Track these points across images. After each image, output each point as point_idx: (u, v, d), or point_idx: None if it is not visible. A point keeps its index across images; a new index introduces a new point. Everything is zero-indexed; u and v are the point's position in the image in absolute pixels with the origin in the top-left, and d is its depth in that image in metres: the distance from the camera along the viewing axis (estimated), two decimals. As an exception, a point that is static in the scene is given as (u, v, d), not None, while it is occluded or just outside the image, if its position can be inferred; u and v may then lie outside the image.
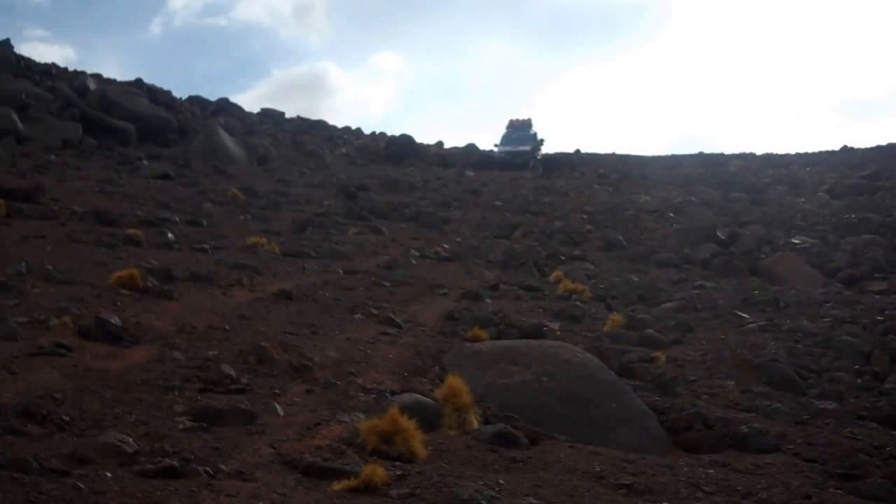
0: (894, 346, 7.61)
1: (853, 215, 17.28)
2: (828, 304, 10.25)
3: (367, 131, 41.97)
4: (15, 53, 27.09)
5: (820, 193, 21.89)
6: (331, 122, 42.38)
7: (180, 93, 35.57)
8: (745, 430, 5.23)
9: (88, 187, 15.03)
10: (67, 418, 4.24)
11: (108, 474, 3.56)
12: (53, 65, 30.34)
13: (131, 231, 11.02)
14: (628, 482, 4.24)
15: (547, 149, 35.02)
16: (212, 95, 42.33)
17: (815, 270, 12.85)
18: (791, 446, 5.08)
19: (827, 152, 35.54)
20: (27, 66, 27.61)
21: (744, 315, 9.56)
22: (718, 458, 4.81)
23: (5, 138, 19.13)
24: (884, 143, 33.39)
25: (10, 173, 14.75)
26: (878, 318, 9.09)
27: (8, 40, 26.66)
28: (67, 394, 4.61)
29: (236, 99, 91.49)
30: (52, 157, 18.76)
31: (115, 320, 6.09)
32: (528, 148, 32.46)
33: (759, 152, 38.23)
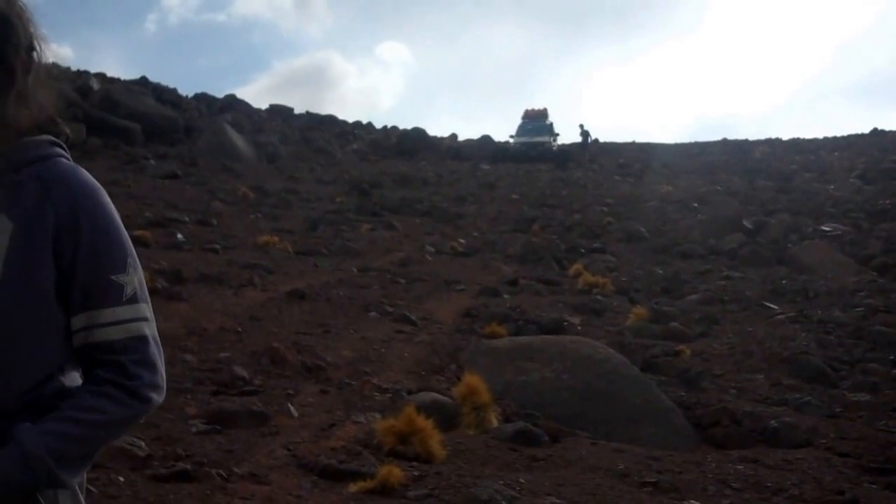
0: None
1: (887, 201, 16.90)
2: (860, 293, 10.01)
3: (377, 125, 41.84)
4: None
5: (851, 179, 21.44)
6: (339, 115, 42.35)
7: (184, 88, 35.73)
8: (775, 425, 5.11)
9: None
10: (78, 422, 4.19)
11: (121, 479, 3.54)
12: (54, 65, 30.48)
13: (140, 232, 10.98)
14: (653, 480, 4.15)
15: (562, 139, 34.66)
16: (215, 90, 42.65)
17: (847, 258, 12.55)
18: (823, 440, 4.95)
19: (856, 136, 34.92)
20: (27, 66, 27.77)
21: (772, 306, 9.36)
22: (747, 454, 4.71)
23: (7, 141, 19.22)
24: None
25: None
26: (914, 306, 8.89)
27: (6, 40, 26.78)
28: (78, 397, 4.57)
29: (241, 92, 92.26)
30: (56, 158, 18.84)
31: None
32: (545, 139, 32.09)
33: (785, 138, 37.66)
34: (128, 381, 1.19)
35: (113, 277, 1.20)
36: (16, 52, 1.18)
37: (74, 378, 1.25)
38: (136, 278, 1.24)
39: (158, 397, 1.24)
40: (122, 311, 1.21)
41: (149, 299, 1.27)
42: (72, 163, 1.26)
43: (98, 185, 1.24)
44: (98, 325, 1.19)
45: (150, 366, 1.23)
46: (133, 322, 1.21)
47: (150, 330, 1.24)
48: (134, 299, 1.22)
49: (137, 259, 1.26)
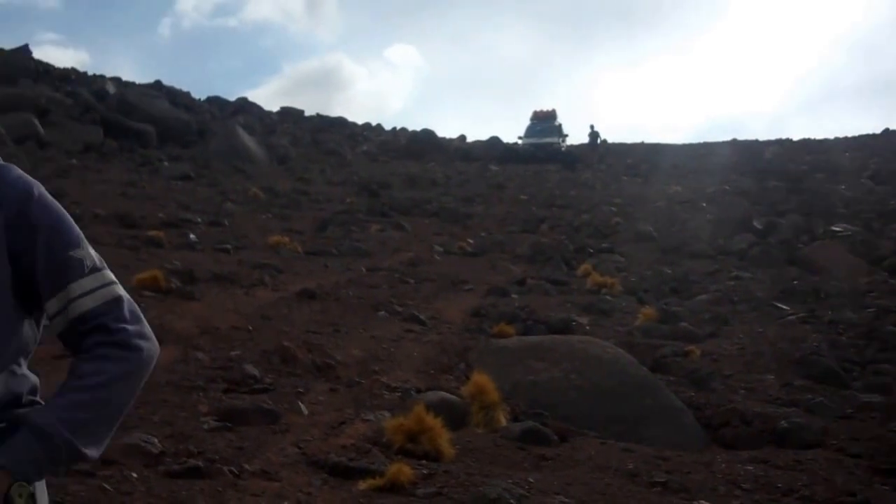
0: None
1: (900, 202, 16.73)
2: (872, 294, 9.93)
3: (387, 126, 41.94)
4: (33, 59, 27.49)
5: (863, 180, 21.26)
6: (348, 117, 42.41)
7: (197, 92, 35.96)
8: (786, 426, 5.06)
9: (110, 190, 15.18)
10: (91, 420, 4.24)
11: (134, 475, 3.59)
12: (73, 69, 30.78)
13: (153, 233, 11.08)
14: (663, 480, 4.13)
15: (571, 140, 34.55)
16: (228, 93, 42.84)
17: (858, 259, 12.45)
18: (834, 441, 4.89)
19: (868, 136, 34.62)
20: (46, 71, 28.03)
21: (783, 307, 9.29)
22: (757, 455, 4.66)
23: (27, 143, 19.38)
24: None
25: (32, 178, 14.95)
26: (927, 306, 8.79)
27: (26, 46, 27.02)
28: (91, 395, 4.61)
29: (253, 95, 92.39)
30: (74, 160, 18.95)
31: (139, 321, 6.10)
32: (554, 140, 32.02)
33: (795, 138, 37.37)
34: (114, 336, 1.25)
35: (71, 253, 1.26)
36: None
37: (27, 372, 1.31)
38: (90, 251, 1.30)
39: (149, 345, 1.29)
40: (89, 281, 1.26)
41: (106, 266, 1.33)
42: (3, 162, 1.30)
43: (31, 178, 1.29)
44: (72, 300, 1.25)
45: (132, 319, 1.28)
46: (102, 288, 1.27)
47: (121, 291, 1.30)
48: (95, 268, 1.28)
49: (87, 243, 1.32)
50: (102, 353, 1.24)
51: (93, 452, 1.22)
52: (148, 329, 1.31)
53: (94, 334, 1.25)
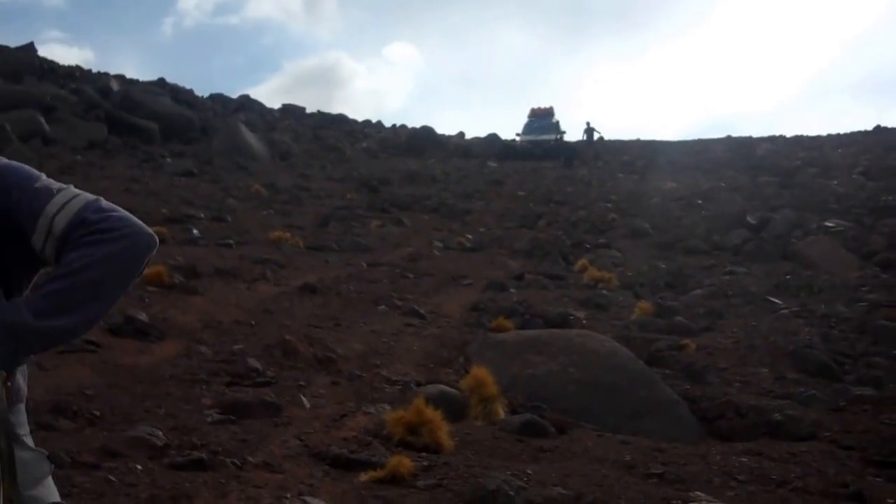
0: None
1: (890, 197, 16.81)
2: (864, 289, 9.99)
3: (387, 123, 41.94)
4: (38, 57, 27.49)
5: (855, 176, 21.33)
6: (349, 114, 42.43)
7: (199, 89, 36.12)
8: (780, 418, 5.12)
9: (114, 186, 15.19)
10: (98, 413, 4.31)
11: (139, 467, 3.63)
12: (77, 67, 30.78)
13: (157, 228, 10.89)
14: (659, 471, 4.18)
15: (568, 137, 34.52)
16: (230, 90, 42.88)
17: (850, 254, 12.52)
18: (827, 434, 4.96)
19: (860, 133, 34.63)
20: (51, 68, 28.03)
21: (776, 301, 9.35)
22: (752, 447, 4.72)
23: (32, 140, 19.42)
24: (919, 122, 32.35)
25: (37, 174, 14.97)
26: (917, 301, 8.85)
27: (31, 44, 27.04)
28: (97, 389, 4.68)
29: (254, 93, 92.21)
30: (78, 157, 18.98)
31: (143, 316, 6.17)
32: (551, 137, 32.04)
33: (788, 134, 37.37)
34: (95, 224, 1.28)
35: (36, 185, 1.33)
36: None
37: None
38: (51, 180, 1.37)
39: (133, 227, 1.30)
40: (59, 199, 1.31)
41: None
42: None
43: None
44: (51, 220, 1.29)
45: (110, 209, 1.32)
46: (72, 200, 1.32)
47: (93, 196, 1.34)
48: (61, 189, 1.34)
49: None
50: (86, 240, 1.27)
51: (66, 321, 1.25)
52: (134, 219, 1.32)
53: (77, 230, 1.28)
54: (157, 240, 1.35)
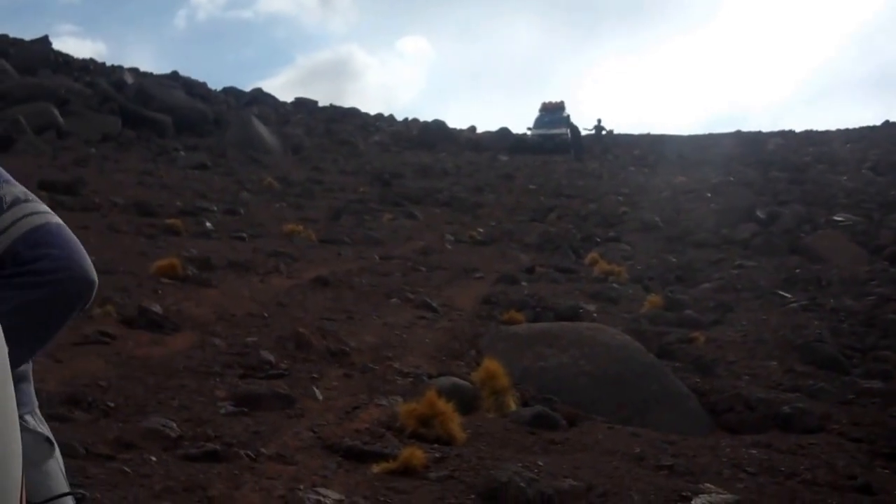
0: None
1: (900, 192, 16.69)
2: (872, 282, 9.95)
3: (399, 117, 41.96)
4: (53, 50, 27.68)
5: (864, 171, 21.21)
6: (361, 107, 42.46)
7: (212, 82, 36.27)
8: (788, 411, 5.11)
9: (128, 179, 15.32)
10: (112, 404, 4.36)
11: (153, 458, 3.67)
12: (91, 60, 30.98)
13: (171, 221, 11.22)
14: (669, 463, 4.20)
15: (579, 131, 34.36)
16: (243, 83, 42.94)
17: (859, 248, 12.48)
18: (836, 426, 4.96)
19: (868, 128, 34.38)
20: (65, 62, 28.21)
21: (785, 294, 9.33)
22: (761, 439, 4.73)
23: (46, 132, 19.59)
24: (929, 116, 32.11)
25: (51, 167, 15.10)
26: (927, 294, 8.80)
27: (46, 37, 27.25)
28: (112, 381, 4.73)
29: (267, 86, 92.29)
30: (92, 150, 19.10)
31: (157, 308, 6.22)
32: (562, 131, 31.95)
33: (798, 130, 37.18)
34: (27, 264, 1.18)
35: None
36: None
37: None
38: (13, 189, 1.25)
39: (68, 271, 1.20)
40: (6, 218, 1.21)
41: (38, 199, 1.27)
42: None
43: None
44: None
45: (48, 244, 1.21)
46: (16, 223, 1.21)
47: (44, 219, 1.23)
48: (15, 202, 1.23)
49: (13, 181, 1.28)
50: (14, 282, 1.17)
51: None
52: (75, 258, 1.22)
53: (8, 265, 1.19)
54: (96, 283, 1.25)
